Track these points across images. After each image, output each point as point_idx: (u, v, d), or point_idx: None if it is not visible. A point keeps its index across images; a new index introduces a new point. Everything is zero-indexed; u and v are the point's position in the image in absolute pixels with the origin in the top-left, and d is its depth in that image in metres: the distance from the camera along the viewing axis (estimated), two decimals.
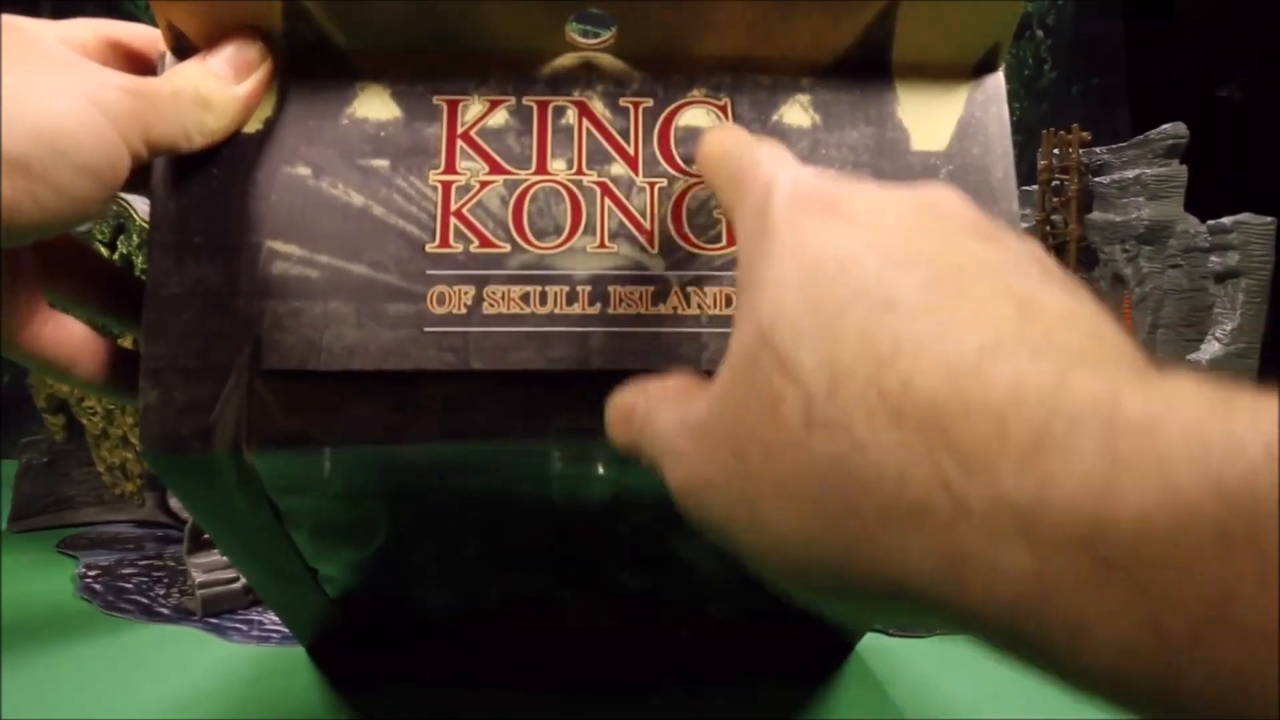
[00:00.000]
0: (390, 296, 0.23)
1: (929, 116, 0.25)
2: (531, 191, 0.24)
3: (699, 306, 0.24)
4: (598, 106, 0.25)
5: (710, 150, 0.23)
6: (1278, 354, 0.55)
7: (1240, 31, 0.93)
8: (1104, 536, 0.13)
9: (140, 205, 0.50)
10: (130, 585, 0.50)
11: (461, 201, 0.24)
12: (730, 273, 0.24)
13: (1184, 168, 0.54)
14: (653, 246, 0.24)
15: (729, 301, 0.24)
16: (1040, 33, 1.03)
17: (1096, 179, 0.57)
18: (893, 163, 0.25)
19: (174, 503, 0.60)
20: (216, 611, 0.46)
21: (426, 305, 0.23)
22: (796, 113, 0.25)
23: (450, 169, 0.24)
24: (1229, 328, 0.51)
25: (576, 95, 0.25)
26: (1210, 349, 0.51)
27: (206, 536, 0.47)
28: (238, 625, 0.45)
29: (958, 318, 0.15)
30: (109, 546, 0.57)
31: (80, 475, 0.62)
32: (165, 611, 0.46)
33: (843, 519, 0.15)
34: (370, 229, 0.24)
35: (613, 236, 0.24)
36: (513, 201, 0.24)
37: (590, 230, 0.24)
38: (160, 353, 0.23)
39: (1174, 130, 0.53)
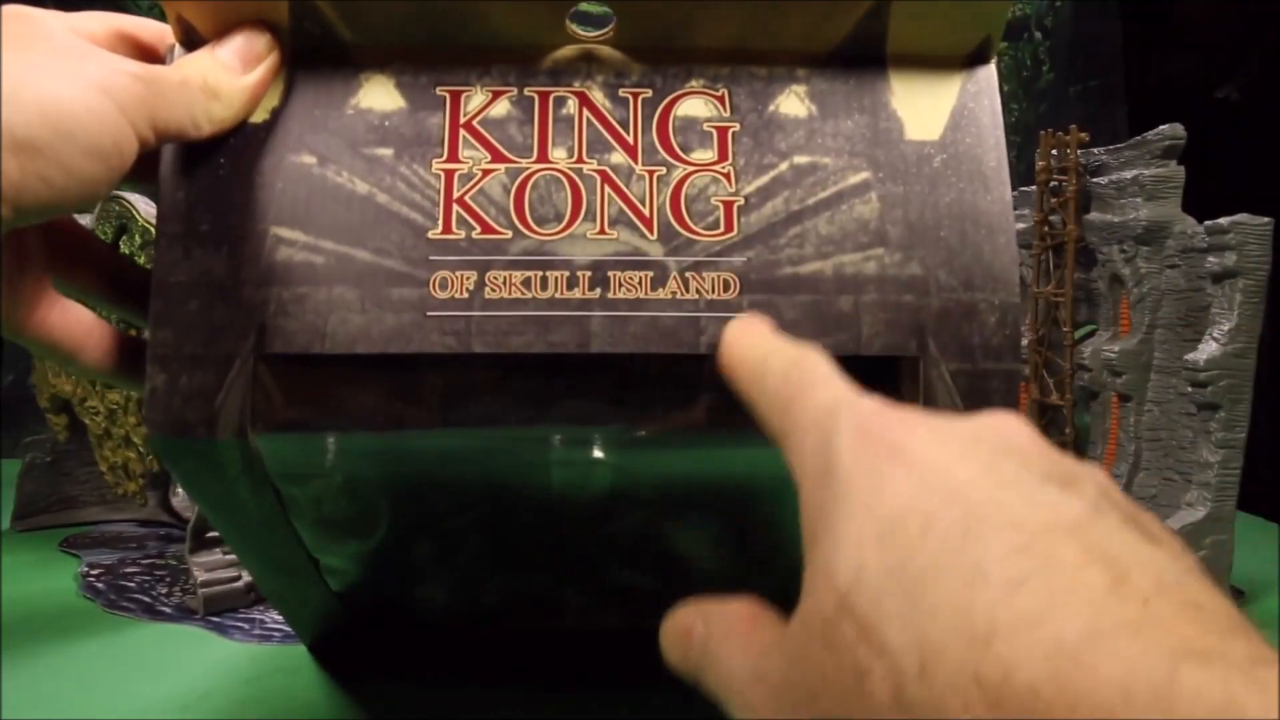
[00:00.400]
0: (393, 282, 0.24)
1: (923, 106, 0.26)
2: (533, 179, 0.24)
3: (697, 291, 0.24)
4: (597, 96, 0.25)
5: (741, 354, 0.22)
6: (1275, 354, 0.55)
7: (1238, 33, 0.93)
8: None
9: (143, 206, 0.50)
10: (133, 584, 0.50)
11: (464, 189, 0.24)
12: (727, 258, 0.24)
13: (1181, 168, 0.54)
14: (652, 233, 0.24)
15: (726, 286, 0.24)
16: (1039, 34, 1.04)
17: (1094, 180, 0.57)
18: (887, 152, 0.25)
19: (176, 502, 0.60)
20: (218, 610, 0.46)
21: (429, 290, 0.24)
22: (793, 103, 0.25)
23: (453, 158, 0.24)
24: (1226, 328, 0.51)
25: (577, 86, 0.25)
26: (1208, 349, 0.51)
27: (209, 535, 0.47)
28: (239, 624, 0.45)
29: (1053, 594, 0.14)
30: (111, 545, 0.58)
31: (83, 475, 0.63)
32: (167, 610, 0.47)
33: None
34: (374, 216, 0.24)
35: (612, 223, 0.24)
36: (514, 189, 0.24)
37: (590, 217, 0.24)
38: (167, 339, 0.23)
39: (1171, 131, 0.53)
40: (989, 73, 0.26)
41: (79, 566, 0.53)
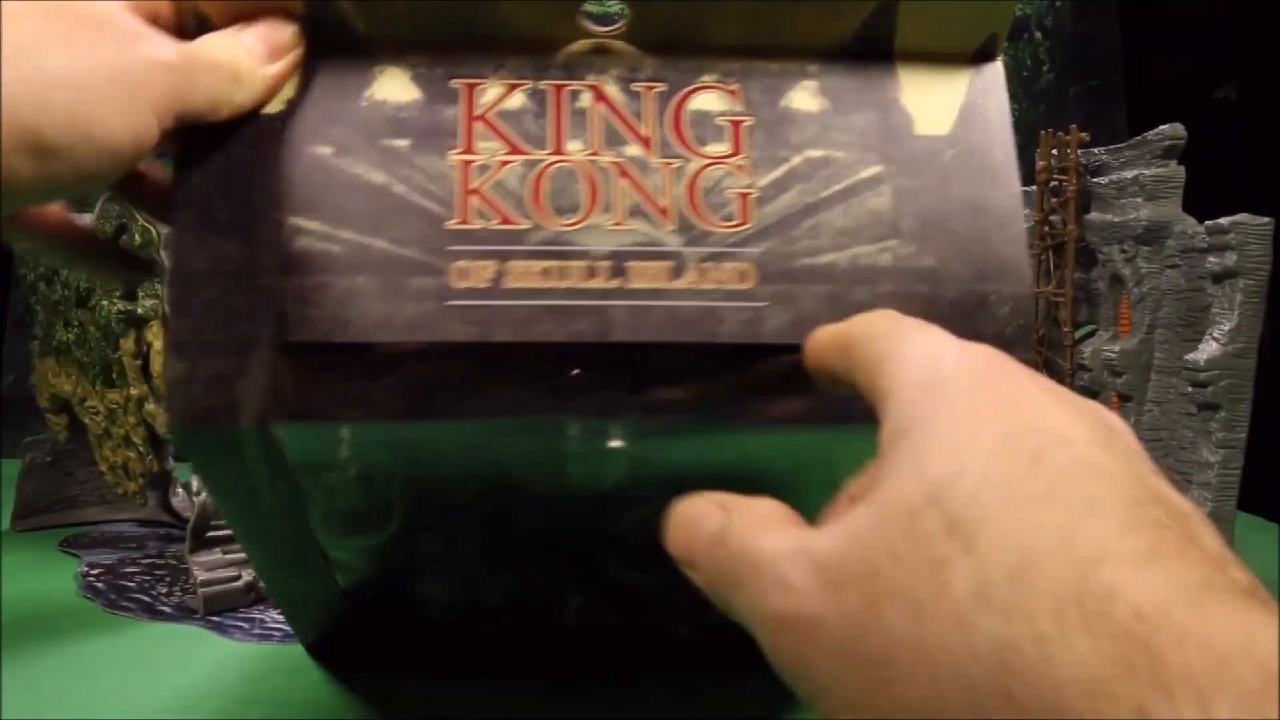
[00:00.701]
0: (412, 271, 0.24)
1: (932, 102, 0.26)
2: (549, 171, 0.25)
3: (715, 282, 0.24)
4: (611, 90, 0.25)
5: (841, 324, 0.22)
6: (1275, 354, 0.55)
7: (1237, 33, 0.93)
8: None
9: None
10: (132, 584, 0.50)
11: (481, 180, 0.24)
12: (744, 249, 0.24)
13: (1182, 168, 0.54)
14: (669, 224, 0.24)
15: (744, 277, 0.24)
16: (1039, 34, 1.04)
17: (1095, 180, 0.57)
18: (898, 146, 0.25)
19: (176, 502, 0.60)
20: (218, 610, 0.46)
21: (448, 280, 0.24)
22: (805, 97, 0.26)
23: (469, 149, 0.25)
24: (1227, 328, 0.51)
25: (591, 79, 0.25)
26: (1208, 349, 0.51)
27: (209, 535, 0.47)
28: (239, 624, 0.45)
29: (1167, 543, 0.15)
30: (111, 545, 0.58)
31: (83, 475, 0.62)
32: (167, 610, 0.47)
33: (995, 708, 0.14)
34: (391, 206, 0.24)
35: (630, 214, 0.24)
36: (531, 180, 0.24)
37: (607, 208, 0.24)
38: (186, 327, 0.23)
39: (1171, 131, 0.53)
40: (996, 70, 0.27)
41: (79, 566, 0.53)
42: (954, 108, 0.26)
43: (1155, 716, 0.13)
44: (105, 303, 0.52)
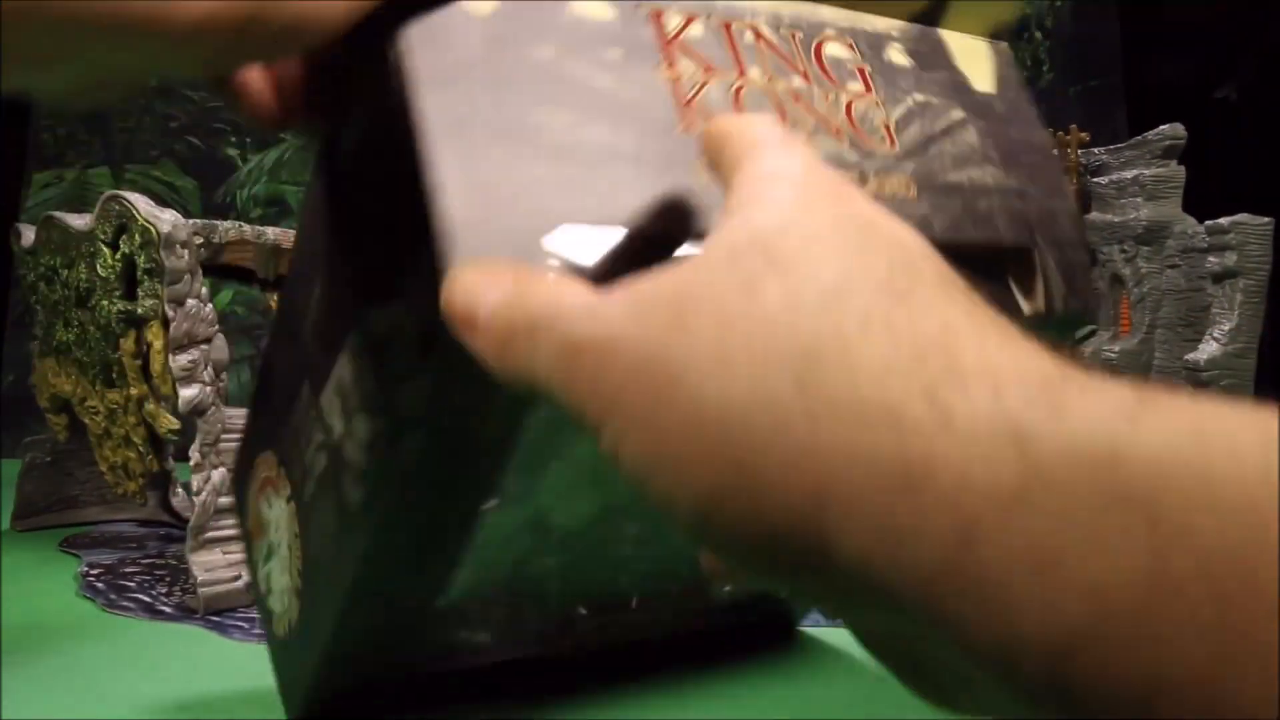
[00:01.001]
0: (661, 168, 0.24)
1: (974, 67, 0.32)
2: (741, 92, 0.27)
3: (891, 190, 0.27)
4: (766, 31, 0.28)
5: (735, 120, 0.22)
6: (1275, 353, 0.55)
7: (1237, 33, 0.93)
8: (1122, 462, 0.12)
9: (143, 205, 0.50)
10: (132, 584, 0.50)
11: (690, 94, 0.26)
12: (902, 165, 0.28)
13: (1182, 168, 0.54)
14: (843, 143, 0.28)
15: (908, 188, 0.28)
16: (1039, 34, 1.04)
17: (1095, 179, 0.57)
18: (968, 98, 0.31)
19: (176, 502, 0.60)
20: (218, 610, 0.46)
21: (692, 180, 0.24)
22: (897, 55, 0.31)
23: (672, 66, 0.26)
24: (1227, 327, 0.51)
25: (748, 20, 0.28)
26: (1208, 349, 0.51)
27: (209, 535, 0.47)
28: (239, 623, 0.45)
29: (975, 309, 0.16)
30: (111, 545, 0.58)
31: (84, 475, 0.63)
32: (167, 610, 0.47)
33: (785, 400, 0.14)
34: (623, 109, 0.25)
35: (812, 133, 0.27)
36: (730, 98, 0.26)
37: (794, 126, 0.27)
38: (463, 218, 0.21)
39: (1171, 131, 0.53)
40: (1005, 47, 0.33)
41: (79, 566, 0.53)
42: (989, 72, 0.32)
43: (944, 398, 0.14)
44: (105, 303, 0.52)
